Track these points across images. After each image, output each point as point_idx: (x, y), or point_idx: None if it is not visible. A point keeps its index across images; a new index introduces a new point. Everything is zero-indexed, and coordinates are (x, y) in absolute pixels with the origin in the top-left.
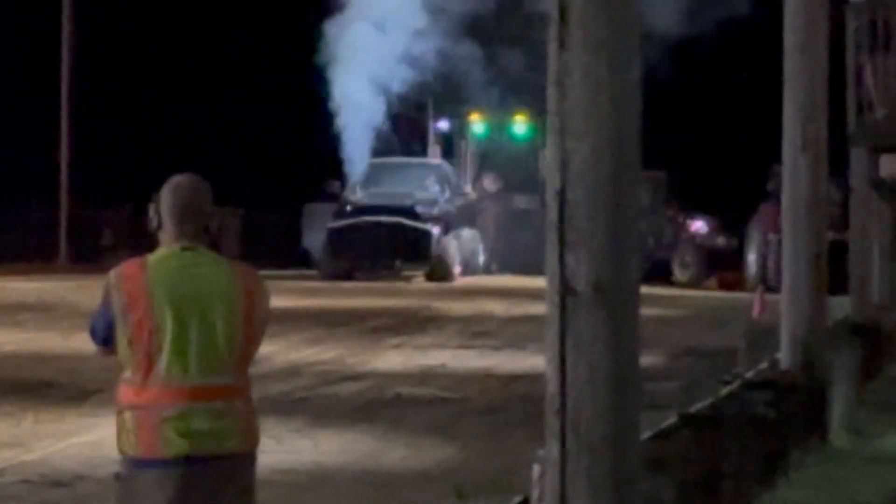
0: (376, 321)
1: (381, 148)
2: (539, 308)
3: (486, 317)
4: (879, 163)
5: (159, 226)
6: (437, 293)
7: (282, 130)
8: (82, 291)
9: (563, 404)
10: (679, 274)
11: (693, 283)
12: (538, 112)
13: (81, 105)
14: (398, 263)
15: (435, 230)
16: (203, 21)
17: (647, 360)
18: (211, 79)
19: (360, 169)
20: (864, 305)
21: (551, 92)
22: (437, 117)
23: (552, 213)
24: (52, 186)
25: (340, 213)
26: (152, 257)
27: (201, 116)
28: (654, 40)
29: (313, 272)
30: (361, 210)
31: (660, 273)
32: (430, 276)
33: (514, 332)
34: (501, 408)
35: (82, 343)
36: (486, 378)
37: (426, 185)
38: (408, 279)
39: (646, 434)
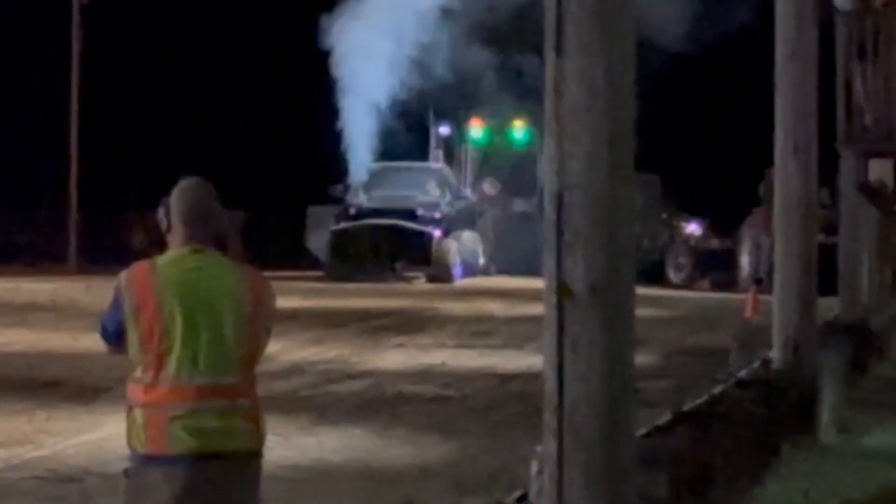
0: (378, 321)
1: (384, 152)
2: (537, 308)
3: (485, 317)
4: (868, 167)
5: (168, 228)
6: (438, 294)
7: (287, 135)
8: (91, 292)
9: (560, 402)
10: (673, 275)
11: (686, 285)
12: (536, 117)
13: (90, 112)
14: (400, 265)
15: (436, 233)
16: (211, 28)
17: (641, 359)
18: (219, 86)
19: (363, 172)
20: (853, 306)
21: (549, 97)
22: (438, 123)
23: (550, 216)
24: (62, 190)
25: (344, 216)
26: (161, 259)
27: (209, 122)
28: (648, 47)
29: (317, 273)
30: (364, 213)
31: (654, 274)
32: (431, 278)
33: (512, 332)
34: (500, 405)
35: (92, 343)
36: (485, 376)
37: (427, 188)
38: (409, 280)
39: (640, 431)
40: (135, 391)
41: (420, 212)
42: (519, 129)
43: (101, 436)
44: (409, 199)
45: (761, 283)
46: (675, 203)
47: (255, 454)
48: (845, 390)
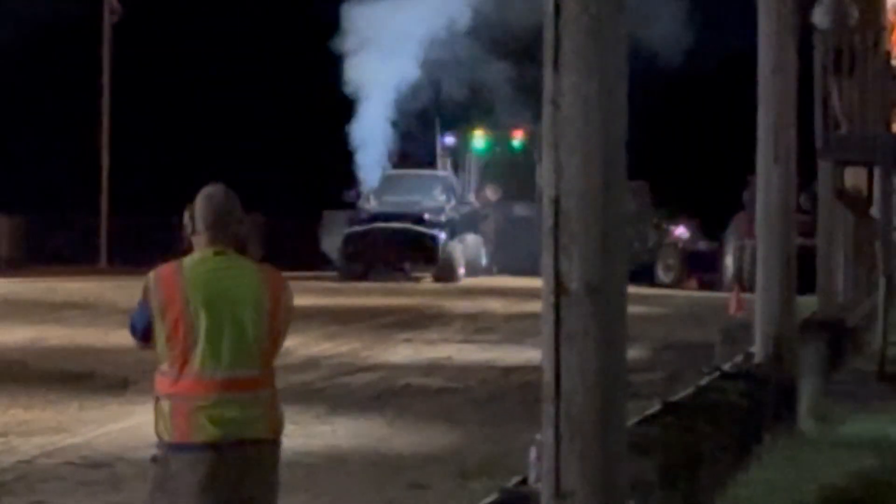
0: (388, 318)
1: (394, 160)
2: (536, 306)
3: (487, 314)
4: (844, 175)
5: (193, 232)
6: (444, 293)
7: (304, 144)
8: (122, 291)
9: (558, 393)
10: (662, 275)
11: (675, 284)
12: (534, 128)
13: (120, 122)
14: (408, 265)
15: (441, 235)
16: (233, 44)
17: (633, 353)
18: (242, 99)
19: (374, 179)
20: (829, 304)
21: (546, 110)
22: (443, 133)
23: (547, 220)
24: (94, 195)
25: (356, 220)
26: (187, 261)
27: (232, 132)
28: (640, 62)
29: (331, 273)
30: (375, 217)
31: (645, 275)
32: (437, 277)
33: (512, 328)
34: (501, 396)
35: (122, 338)
36: (487, 369)
37: (434, 194)
38: (417, 280)
39: (632, 420)
40: (162, 383)
41: (427, 216)
42: (518, 139)
43: (130, 424)
44: (417, 204)
45: (742, 282)
46: (664, 208)
47: (274, 442)
48: (823, 382)
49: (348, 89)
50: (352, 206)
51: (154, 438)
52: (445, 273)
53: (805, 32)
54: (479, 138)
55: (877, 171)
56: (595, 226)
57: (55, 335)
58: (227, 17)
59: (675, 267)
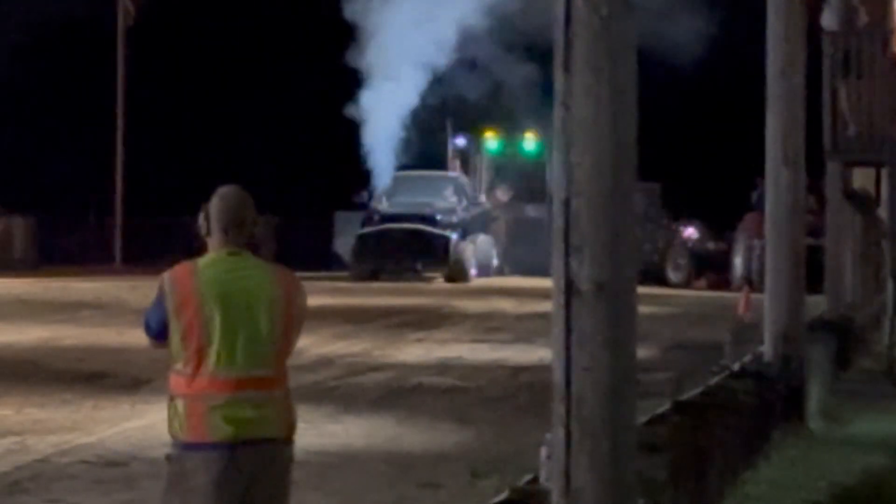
0: (400, 318)
1: (405, 162)
2: (546, 306)
3: (498, 314)
4: (852, 176)
5: (208, 233)
6: (455, 293)
7: (316, 146)
8: (135, 291)
9: (568, 392)
10: (672, 276)
11: (684, 284)
12: (545, 130)
13: (135, 124)
14: (419, 266)
15: (453, 236)
16: (246, 47)
17: (642, 352)
18: (256, 101)
19: (386, 180)
20: (837, 304)
21: (557, 112)
22: (455, 134)
23: (558, 221)
24: (108, 197)
25: (368, 221)
26: (202, 261)
27: (244, 133)
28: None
29: (344, 274)
30: (387, 218)
31: (654, 275)
32: (449, 278)
33: (523, 328)
34: (512, 396)
35: (136, 337)
36: (498, 369)
37: (445, 195)
38: (428, 280)
39: (641, 419)
40: (176, 383)
41: (439, 217)
42: (529, 140)
43: (144, 423)
44: (429, 205)
45: (751, 282)
46: (674, 209)
47: (287, 441)
48: (831, 382)
49: (359, 91)
50: (364, 207)
51: (168, 437)
52: (456, 273)
53: (813, 34)
54: (490, 139)
55: (884, 172)
56: (605, 227)
57: (69, 335)
58: (241, 18)
59: (684, 267)
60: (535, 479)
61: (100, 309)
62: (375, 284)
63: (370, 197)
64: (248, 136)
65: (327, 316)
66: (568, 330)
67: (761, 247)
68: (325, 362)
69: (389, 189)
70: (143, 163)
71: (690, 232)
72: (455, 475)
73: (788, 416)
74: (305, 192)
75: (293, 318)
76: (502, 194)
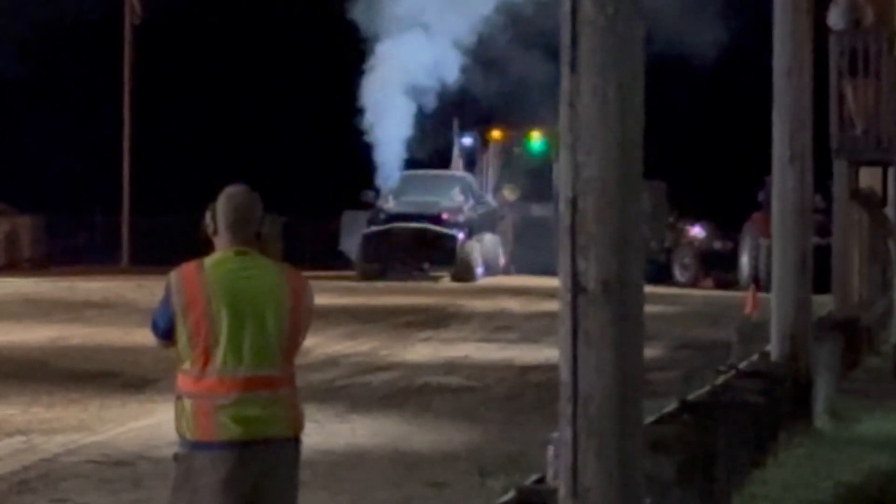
0: (407, 317)
1: (412, 161)
2: (553, 305)
3: (505, 313)
4: (859, 175)
5: (215, 232)
6: (462, 292)
7: (323, 145)
8: (142, 291)
9: (575, 392)
10: (679, 275)
11: (691, 283)
12: (552, 128)
13: (142, 123)
14: (426, 265)
15: (460, 235)
16: (253, 45)
17: (649, 352)
18: (262, 101)
19: (392, 180)
20: (845, 303)
21: (563, 111)
22: (461, 133)
23: (565, 220)
24: (115, 196)
25: (375, 220)
26: (208, 260)
27: (251, 133)
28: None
29: (350, 273)
30: (394, 217)
31: (661, 274)
32: (455, 277)
33: (530, 327)
34: (519, 395)
35: (142, 337)
36: (505, 368)
37: (452, 194)
38: (435, 279)
39: (648, 419)
40: (184, 382)
41: (445, 216)
42: (536, 139)
43: (151, 423)
44: (435, 204)
45: (758, 281)
46: (681, 207)
47: (295, 440)
48: (839, 381)
49: (365, 90)
50: (370, 206)
51: (175, 436)
52: (463, 272)
53: (820, 33)
54: (496, 138)
55: (891, 171)
56: (612, 226)
57: (77, 334)
58: (248, 16)
59: (691, 266)
60: (543, 479)
61: (107, 308)
62: (382, 284)
63: (377, 196)
64: (255, 135)
65: (334, 315)
66: (575, 329)
67: (768, 246)
68: (333, 362)
69: (396, 188)
70: (150, 162)
71: (697, 231)
72: (462, 474)
73: (796, 416)
74: (312, 191)
75: (300, 318)
76: (509, 193)
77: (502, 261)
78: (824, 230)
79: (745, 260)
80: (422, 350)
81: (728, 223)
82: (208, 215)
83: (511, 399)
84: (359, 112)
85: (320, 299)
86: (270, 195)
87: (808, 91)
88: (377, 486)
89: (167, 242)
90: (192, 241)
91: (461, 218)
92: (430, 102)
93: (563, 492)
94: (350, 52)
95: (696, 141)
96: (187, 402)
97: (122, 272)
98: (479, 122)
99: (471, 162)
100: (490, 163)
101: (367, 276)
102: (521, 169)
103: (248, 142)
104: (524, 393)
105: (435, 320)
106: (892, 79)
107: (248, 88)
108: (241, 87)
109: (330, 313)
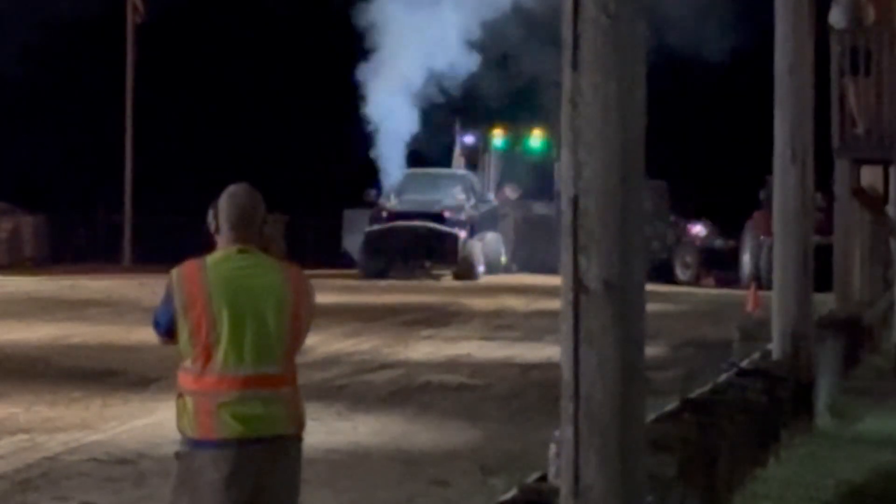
0: (408, 315)
1: (413, 159)
2: (555, 304)
3: (507, 311)
4: (860, 173)
5: (217, 230)
6: (463, 290)
7: (325, 144)
8: (144, 289)
9: (577, 390)
10: (680, 273)
11: (693, 282)
12: (553, 127)
13: (144, 121)
14: (428, 264)
15: (461, 234)
16: (255, 43)
17: (651, 350)
18: (262, 97)
19: (394, 178)
20: (846, 302)
21: (565, 109)
22: (463, 132)
23: (566, 218)
24: (117, 194)
25: (377, 219)
26: (210, 258)
27: (253, 133)
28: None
29: (352, 272)
30: (396, 216)
31: (663, 272)
32: (457, 275)
33: (532, 326)
34: (521, 393)
35: (145, 335)
36: (506, 366)
37: (453, 193)
38: (437, 278)
39: (650, 417)
40: (185, 380)
41: (447, 215)
42: (537, 138)
43: (153, 421)
44: (437, 203)
45: (760, 279)
46: (682, 206)
47: (296, 438)
48: (840, 379)
49: (368, 90)
50: (372, 204)
51: (177, 434)
52: (465, 271)
53: (821, 32)
54: (498, 137)
55: (893, 170)
56: (613, 224)
57: (78, 333)
58: (250, 15)
59: (692, 265)
60: (544, 477)
61: (109, 307)
62: (384, 282)
63: (379, 195)
64: (257, 133)
65: (336, 313)
66: (576, 327)
67: (770, 244)
68: (334, 360)
69: (398, 187)
70: (152, 161)
71: (699, 229)
72: (464, 473)
73: (797, 414)
74: (315, 189)
75: (302, 316)
76: (510, 192)
77: (504, 259)
78: (826, 229)
79: (746, 258)
80: (423, 348)
81: (729, 222)
82: (210, 213)
83: (513, 397)
84: (362, 110)
85: (322, 297)
86: (273, 193)
87: (809, 90)
88: (379, 484)
89: (169, 241)
90: (195, 240)
91: (463, 216)
92: (433, 100)
93: (564, 490)
94: (353, 49)
95: (697, 139)
96: (189, 400)
97: (125, 270)
98: (482, 120)
99: (473, 160)
100: (492, 161)
101: (369, 275)
102: (522, 167)
103: (250, 140)
104: (526, 391)
105: (437, 319)
106: (893, 77)
107: (251, 87)
108: (244, 86)
109: (332, 311)
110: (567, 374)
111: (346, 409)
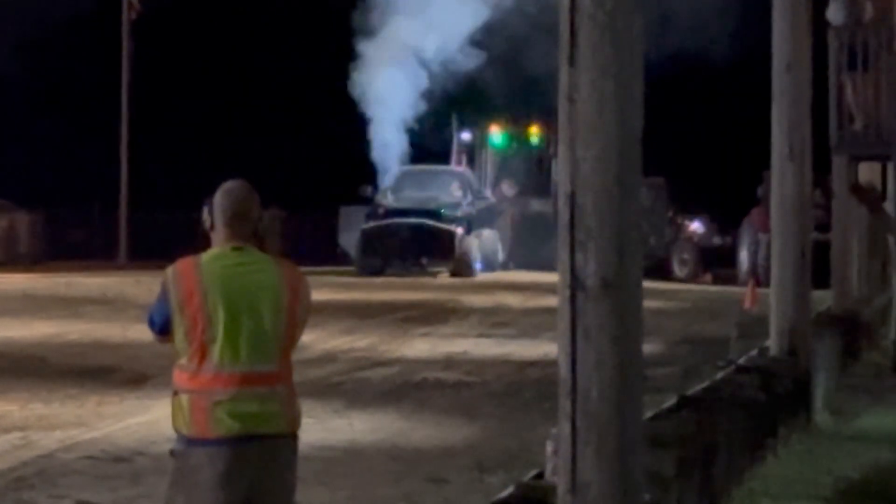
0: (405, 313)
1: (410, 156)
2: (552, 301)
3: (504, 309)
4: (858, 170)
5: (212, 227)
6: (460, 287)
7: (321, 141)
8: (140, 286)
9: (574, 387)
10: (678, 270)
11: (690, 279)
12: (550, 124)
13: (140, 117)
14: (425, 261)
15: (458, 231)
16: (251, 39)
17: (648, 347)
18: (258, 94)
19: (391, 175)
20: (844, 298)
21: (562, 106)
22: (460, 128)
23: (563, 215)
24: (113, 190)
25: (373, 215)
26: (205, 256)
27: (249, 127)
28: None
29: (349, 268)
30: (392, 212)
31: (660, 269)
32: (454, 273)
33: (529, 323)
34: (518, 391)
35: (140, 332)
36: (503, 364)
37: (450, 190)
38: (433, 275)
39: (647, 414)
40: (180, 378)
41: (444, 211)
42: (534, 134)
43: (149, 419)
44: (434, 199)
45: (757, 276)
46: (680, 203)
47: (292, 436)
48: (838, 376)
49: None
50: (369, 201)
51: (172, 432)
52: (462, 268)
53: (819, 29)
54: (495, 133)
55: (891, 167)
56: (611, 221)
57: (74, 330)
58: (246, 12)
59: (690, 262)
60: (542, 475)
61: (105, 304)
62: (380, 279)
63: (375, 191)
64: (253, 129)
65: (332, 311)
66: (574, 325)
67: (767, 241)
68: (331, 357)
69: (394, 183)
70: (148, 157)
71: (696, 226)
72: (461, 470)
73: (795, 411)
74: (311, 186)
75: (298, 313)
76: (507, 188)
77: (501, 256)
78: (824, 225)
79: (744, 255)
80: (420, 345)
81: (727, 218)
82: (205, 210)
83: (510, 395)
84: (358, 106)
85: (318, 294)
86: (269, 190)
87: (807, 86)
88: (375, 482)
89: (165, 238)
90: (191, 237)
91: (460, 213)
92: (430, 96)
93: (562, 487)
94: (349, 44)
95: (695, 136)
96: (184, 398)
97: (120, 268)
98: (479, 116)
99: (470, 157)
100: (489, 158)
101: (365, 272)
102: (519, 164)
103: (246, 136)
104: (523, 388)
105: (433, 316)
106: (891, 73)
107: (247, 82)
108: (240, 82)
109: (328, 308)
110: (564, 371)
111: (343, 406)
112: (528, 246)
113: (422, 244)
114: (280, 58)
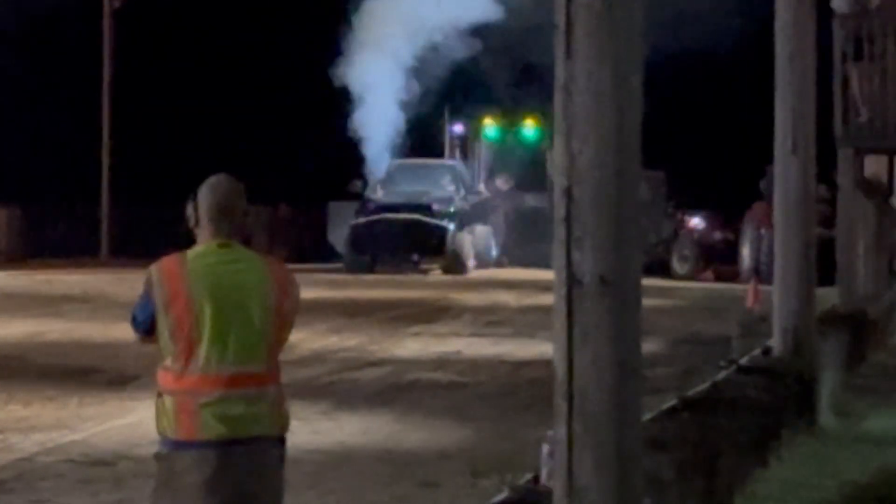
0: (396, 311)
1: (401, 149)
2: (548, 299)
3: (498, 307)
4: (864, 163)
5: (197, 223)
6: (453, 285)
7: (309, 134)
8: (122, 284)
9: (570, 388)
10: (678, 267)
11: (691, 276)
12: (546, 116)
13: (122, 111)
14: (416, 257)
15: (450, 226)
16: (236, 30)
17: (648, 347)
18: (246, 87)
19: (381, 169)
20: (850, 296)
21: (558, 98)
22: (453, 121)
23: (559, 210)
24: (94, 186)
25: (363, 211)
26: (191, 253)
27: (235, 122)
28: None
29: (338, 265)
30: (382, 208)
31: (660, 266)
32: (446, 269)
33: (524, 321)
34: (512, 392)
35: (123, 332)
36: (498, 364)
37: (442, 184)
38: (425, 272)
39: (647, 416)
40: (165, 379)
41: (436, 207)
42: (529, 127)
43: (131, 421)
44: (425, 194)
45: (760, 273)
46: (680, 198)
47: (280, 439)
48: (843, 376)
49: (353, 78)
50: (358, 196)
51: (156, 435)
52: (454, 265)
53: (824, 18)
54: (489, 126)
55: None
56: (608, 216)
57: (54, 329)
58: (230, 4)
59: (690, 258)
60: (537, 478)
61: (86, 303)
62: (370, 277)
63: (365, 186)
64: (239, 123)
65: (321, 309)
66: (570, 323)
67: (770, 237)
68: (319, 357)
69: (385, 178)
70: (130, 152)
71: (697, 222)
72: (454, 474)
73: (799, 412)
74: (299, 181)
75: (286, 312)
76: (502, 183)
77: (495, 252)
78: (828, 221)
79: (745, 251)
80: (412, 345)
81: (728, 213)
82: (190, 206)
83: (504, 396)
84: (346, 100)
85: (307, 292)
86: (255, 185)
87: (811, 77)
88: (366, 486)
89: (148, 234)
90: (175, 234)
91: (452, 208)
92: (421, 89)
93: (558, 491)
94: (337, 37)
95: (695, 129)
96: (168, 400)
97: (102, 265)
98: (472, 109)
99: (463, 150)
100: (483, 151)
101: (355, 269)
102: (514, 158)
103: (231, 130)
104: (518, 389)
105: (425, 314)
106: None
107: (232, 75)
108: (225, 75)
109: (317, 307)
110: (560, 371)
111: (332, 408)
112: (524, 242)
113: (412, 240)
114: (266, 50)
